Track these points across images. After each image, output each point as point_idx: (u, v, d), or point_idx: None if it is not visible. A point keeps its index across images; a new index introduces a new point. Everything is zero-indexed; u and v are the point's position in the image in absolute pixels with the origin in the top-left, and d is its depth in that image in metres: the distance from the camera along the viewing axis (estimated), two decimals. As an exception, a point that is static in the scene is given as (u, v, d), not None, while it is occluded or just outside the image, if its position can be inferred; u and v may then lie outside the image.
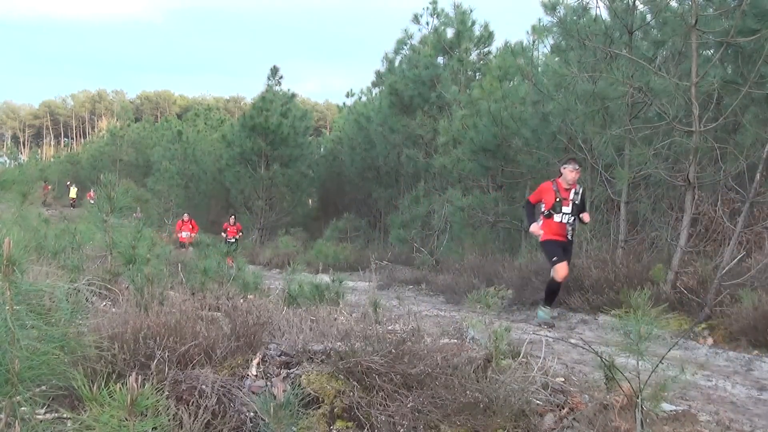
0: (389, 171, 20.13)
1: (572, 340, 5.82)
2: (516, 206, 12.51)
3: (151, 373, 2.72)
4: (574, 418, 2.95)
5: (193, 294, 4.29)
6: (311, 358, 3.25)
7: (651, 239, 8.95)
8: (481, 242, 12.23)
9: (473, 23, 16.56)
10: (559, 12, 9.27)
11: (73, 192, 34.24)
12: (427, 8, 18.31)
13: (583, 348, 4.09)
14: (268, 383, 3.01)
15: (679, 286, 6.84)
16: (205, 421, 2.57)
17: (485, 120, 11.89)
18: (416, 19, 18.57)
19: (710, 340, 5.88)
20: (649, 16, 8.77)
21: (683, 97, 7.24)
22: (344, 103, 30.09)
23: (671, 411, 3.16)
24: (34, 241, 5.60)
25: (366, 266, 11.54)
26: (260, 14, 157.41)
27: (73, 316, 2.35)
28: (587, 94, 8.57)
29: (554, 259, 6.47)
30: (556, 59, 11.06)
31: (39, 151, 71.35)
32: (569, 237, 6.66)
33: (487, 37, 16.63)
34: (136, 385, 1.76)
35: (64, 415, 2.39)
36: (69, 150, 66.40)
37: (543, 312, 6.80)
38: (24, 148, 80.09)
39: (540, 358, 3.61)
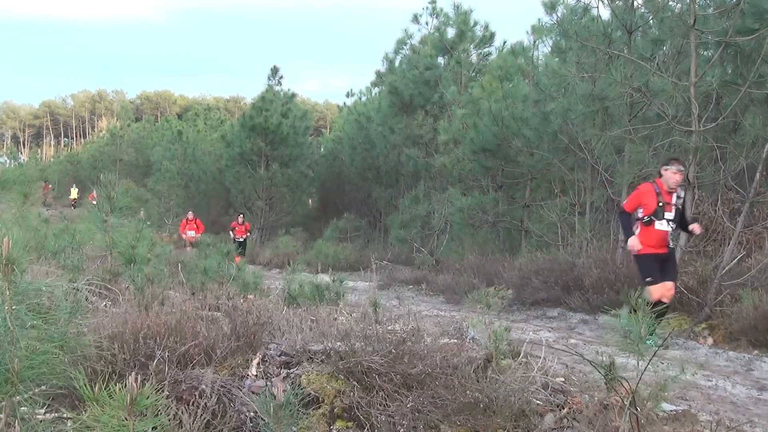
0: (389, 171, 20.13)
1: (560, 346, 5.82)
2: (516, 206, 12.52)
3: (151, 373, 2.72)
4: (574, 418, 2.95)
5: (193, 294, 4.29)
6: (311, 358, 3.25)
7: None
8: (481, 242, 12.24)
9: (475, 23, 16.58)
10: (558, 12, 9.26)
11: (74, 193, 34.20)
12: (427, 8, 18.34)
13: (576, 355, 4.10)
14: (268, 383, 3.01)
15: (679, 286, 6.84)
16: (205, 421, 2.56)
17: (486, 120, 11.89)
18: (416, 19, 18.59)
19: (710, 340, 5.87)
20: (648, 16, 8.77)
21: (682, 97, 7.24)
22: (344, 103, 30.10)
23: (671, 411, 3.16)
24: (34, 240, 5.60)
25: (366, 266, 11.54)
26: (260, 14, 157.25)
27: (72, 315, 2.34)
28: (586, 95, 8.57)
29: (648, 279, 5.53)
30: (556, 59, 11.06)
31: (39, 151, 71.27)
32: (669, 245, 5.78)
33: (489, 37, 16.63)
34: (136, 385, 1.76)
35: (64, 415, 2.39)
36: (69, 150, 66.32)
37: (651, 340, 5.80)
38: (24, 148, 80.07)
39: (540, 358, 3.61)
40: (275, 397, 2.20)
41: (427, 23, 18.58)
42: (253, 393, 2.85)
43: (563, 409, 3.07)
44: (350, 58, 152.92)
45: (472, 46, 16.46)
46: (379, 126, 19.45)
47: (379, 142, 19.80)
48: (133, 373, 1.80)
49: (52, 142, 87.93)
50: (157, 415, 1.85)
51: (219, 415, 2.66)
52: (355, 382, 2.99)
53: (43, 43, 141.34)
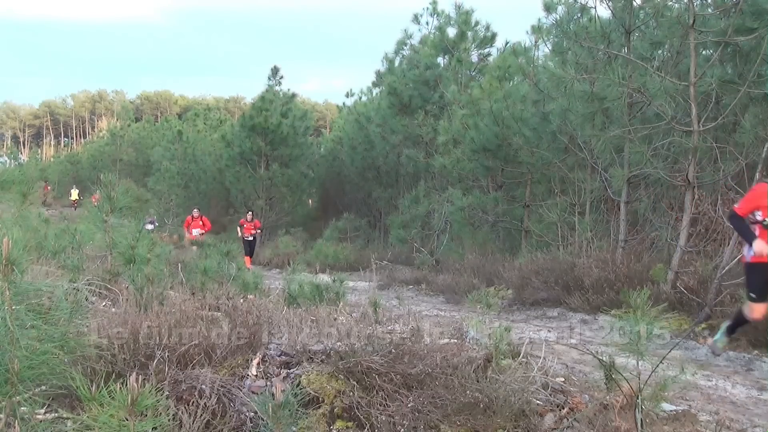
0: (389, 171, 20.12)
1: (572, 341, 5.83)
2: (516, 206, 12.52)
3: (151, 374, 2.72)
4: (574, 418, 2.95)
5: (193, 294, 4.29)
6: (311, 358, 3.25)
7: (651, 239, 8.96)
8: (481, 242, 12.23)
9: (476, 23, 16.58)
10: (557, 12, 9.25)
11: (74, 194, 34.14)
12: (427, 8, 18.35)
13: (584, 351, 4.10)
14: (268, 383, 3.00)
15: (679, 286, 6.84)
16: (205, 421, 2.57)
17: (486, 119, 11.88)
18: (416, 19, 18.60)
19: (710, 340, 5.87)
20: (649, 16, 8.76)
21: (682, 97, 7.24)
22: (344, 103, 30.07)
23: (671, 411, 3.16)
24: (34, 241, 5.60)
25: (366, 266, 11.54)
26: (260, 14, 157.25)
27: (72, 315, 2.34)
28: (585, 95, 8.56)
29: (753, 296, 4.79)
30: (556, 59, 11.05)
31: (39, 151, 71.23)
32: None
33: (491, 38, 16.62)
34: (136, 385, 1.76)
35: (64, 415, 2.39)
36: (69, 150, 66.29)
37: (719, 338, 5.15)
38: (24, 148, 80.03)
39: (540, 358, 3.61)
40: (275, 397, 2.20)
41: (427, 23, 18.60)
42: (253, 393, 2.85)
43: (563, 409, 3.08)
44: (350, 58, 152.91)
45: (473, 46, 16.46)
46: (379, 126, 19.44)
47: (379, 142, 19.80)
48: (134, 374, 1.80)
49: (52, 142, 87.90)
50: (157, 415, 1.85)
51: (219, 415, 2.66)
52: (355, 382, 2.99)
53: (43, 43, 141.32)
